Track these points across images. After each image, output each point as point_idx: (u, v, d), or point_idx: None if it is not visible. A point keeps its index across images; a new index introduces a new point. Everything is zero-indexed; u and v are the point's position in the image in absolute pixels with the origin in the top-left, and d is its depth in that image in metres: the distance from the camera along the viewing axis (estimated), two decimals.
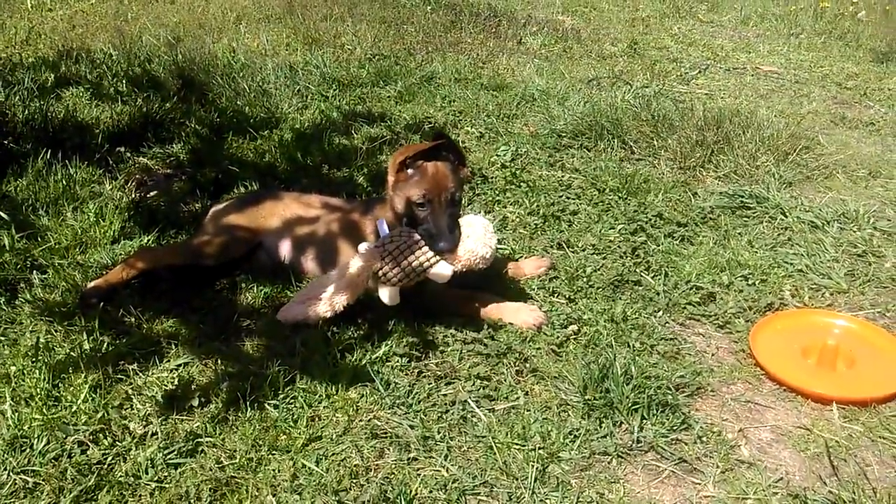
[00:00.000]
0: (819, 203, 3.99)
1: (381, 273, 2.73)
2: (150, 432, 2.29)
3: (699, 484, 2.26)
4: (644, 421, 2.44)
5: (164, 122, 4.50)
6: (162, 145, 4.28)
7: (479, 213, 3.75)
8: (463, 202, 3.08)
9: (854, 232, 3.69)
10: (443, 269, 2.73)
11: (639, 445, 2.37)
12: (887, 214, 3.94)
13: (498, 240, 3.46)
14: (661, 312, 3.06)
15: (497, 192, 4.00)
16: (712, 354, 2.86)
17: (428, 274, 2.74)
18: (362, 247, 2.81)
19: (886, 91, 6.15)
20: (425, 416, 2.45)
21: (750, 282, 3.25)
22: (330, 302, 2.75)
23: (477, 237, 2.81)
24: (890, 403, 2.61)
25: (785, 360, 2.77)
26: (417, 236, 2.75)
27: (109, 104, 4.66)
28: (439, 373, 2.65)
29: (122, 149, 4.13)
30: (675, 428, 2.43)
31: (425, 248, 2.73)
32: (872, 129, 5.30)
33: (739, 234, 3.65)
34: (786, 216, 3.80)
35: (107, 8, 7.04)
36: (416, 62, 6.07)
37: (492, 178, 4.16)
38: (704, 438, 2.42)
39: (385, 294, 2.76)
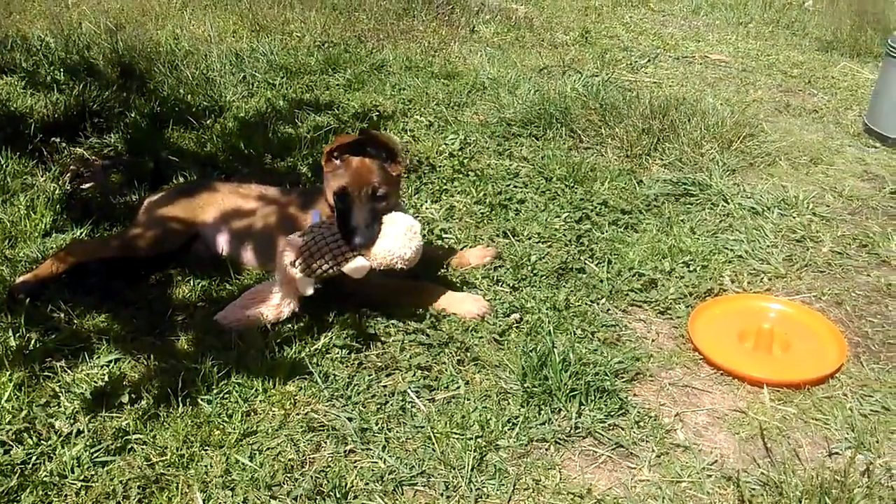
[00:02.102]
0: (760, 189, 4.05)
1: (297, 264, 2.66)
2: (76, 430, 2.22)
3: (635, 468, 2.28)
4: (582, 407, 2.45)
5: (102, 111, 4.36)
6: (99, 135, 4.15)
7: (426, 202, 3.74)
8: (403, 197, 3.04)
9: (793, 217, 3.75)
10: (358, 265, 2.65)
11: (577, 431, 2.38)
12: (826, 200, 4.02)
13: (444, 229, 3.49)
14: (603, 299, 3.07)
15: (445, 181, 3.97)
16: (652, 340, 2.89)
17: (343, 268, 2.67)
18: (289, 239, 2.75)
19: (830, 79, 6.27)
20: (364, 407, 2.43)
21: (691, 268, 3.28)
22: (278, 307, 2.69)
23: (396, 235, 2.68)
24: (822, 385, 2.66)
25: (722, 344, 2.81)
26: (336, 230, 2.69)
27: (45, 93, 4.50)
28: (380, 364, 2.62)
29: (58, 139, 3.98)
30: (612, 413, 2.45)
31: (341, 243, 2.66)
32: (815, 116, 5.39)
33: (682, 221, 3.68)
34: (728, 203, 3.85)
35: None
36: (366, 50, 6.00)
37: (440, 166, 4.13)
38: (641, 423, 2.44)
39: (299, 283, 2.68)
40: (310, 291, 2.69)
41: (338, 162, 2.77)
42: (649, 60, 6.41)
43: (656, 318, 3.02)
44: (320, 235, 2.68)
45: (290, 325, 2.72)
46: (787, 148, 4.64)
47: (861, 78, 6.30)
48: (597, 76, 5.65)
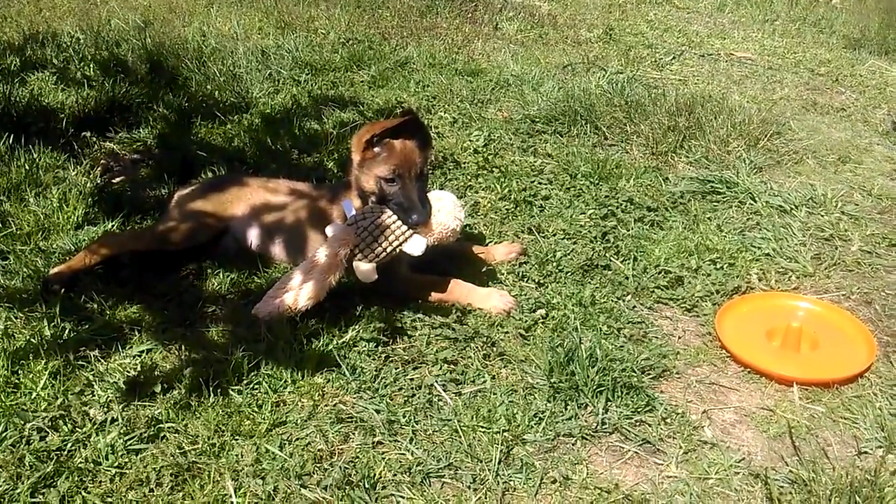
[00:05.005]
0: (788, 188, 4.02)
1: (357, 250, 2.72)
2: (110, 418, 2.26)
3: (662, 464, 2.28)
4: (609, 403, 2.45)
5: (132, 106, 4.42)
6: (129, 130, 4.21)
7: None
8: (430, 182, 3.08)
9: (822, 216, 3.73)
10: (417, 243, 2.75)
11: (603, 427, 2.38)
12: (855, 199, 3.98)
13: (469, 225, 3.50)
14: (629, 296, 3.07)
15: (469, 178, 3.98)
16: (679, 337, 2.88)
17: (403, 248, 2.74)
18: (331, 228, 2.79)
19: (858, 77, 6.20)
20: (391, 400, 2.45)
21: (718, 266, 3.27)
22: (295, 294, 2.71)
23: (447, 211, 2.84)
24: (851, 384, 2.65)
25: (750, 342, 2.80)
26: (389, 212, 2.76)
27: (76, 88, 4.57)
28: (406, 357, 2.64)
29: (88, 133, 4.05)
30: (639, 410, 2.45)
31: (398, 223, 2.74)
32: (843, 114, 5.34)
33: (709, 218, 3.67)
34: (755, 201, 3.82)
35: None
36: (390, 47, 6.01)
37: (464, 163, 4.14)
38: (668, 420, 2.44)
39: (362, 269, 2.74)
40: (374, 277, 2.74)
41: (377, 149, 2.79)
42: (674, 58, 6.38)
43: (683, 315, 3.01)
44: (371, 220, 2.73)
45: (317, 318, 2.74)
46: (814, 146, 4.61)
47: (889, 76, 6.23)
48: (621, 73, 5.64)
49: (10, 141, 3.66)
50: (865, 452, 2.35)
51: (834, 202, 3.83)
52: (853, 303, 3.12)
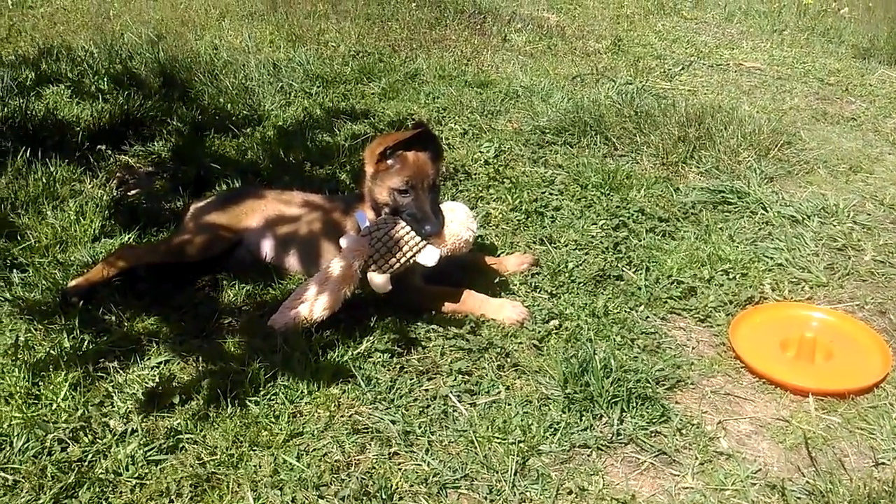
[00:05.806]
0: (799, 198, 4.02)
1: (371, 262, 2.75)
2: (130, 429, 2.28)
3: (678, 475, 2.28)
4: (624, 414, 2.46)
5: (146, 119, 4.47)
6: (143, 143, 4.25)
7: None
8: (441, 193, 3.11)
9: (834, 226, 3.72)
10: (430, 254, 2.77)
11: (618, 438, 2.39)
12: (867, 208, 3.98)
13: (481, 236, 3.52)
14: (642, 307, 3.08)
15: (480, 189, 4.00)
16: (692, 348, 2.88)
17: (416, 258, 2.76)
18: (345, 239, 2.82)
19: (868, 86, 6.20)
20: (407, 410, 2.46)
21: (730, 276, 3.27)
22: (311, 305, 2.73)
23: (460, 221, 2.88)
24: (867, 395, 2.64)
25: (764, 352, 2.80)
26: (402, 223, 2.79)
27: (90, 102, 4.62)
28: (421, 368, 2.66)
29: (103, 147, 4.09)
30: (654, 420, 2.45)
31: (412, 233, 2.77)
32: (854, 124, 5.34)
33: (720, 228, 3.68)
34: (766, 211, 3.83)
35: (88, 5, 6.98)
36: (400, 59, 6.06)
37: (475, 174, 4.16)
38: (684, 431, 2.44)
39: (376, 281, 2.77)
40: (388, 287, 2.77)
41: (390, 161, 2.82)
42: (683, 68, 6.40)
43: (696, 325, 3.01)
44: (385, 231, 2.76)
45: (332, 329, 2.76)
46: (825, 156, 4.61)
47: None
48: (630, 84, 5.66)
49: (28, 154, 3.71)
50: (883, 463, 2.34)
51: (846, 212, 3.83)
52: (867, 313, 3.11)
